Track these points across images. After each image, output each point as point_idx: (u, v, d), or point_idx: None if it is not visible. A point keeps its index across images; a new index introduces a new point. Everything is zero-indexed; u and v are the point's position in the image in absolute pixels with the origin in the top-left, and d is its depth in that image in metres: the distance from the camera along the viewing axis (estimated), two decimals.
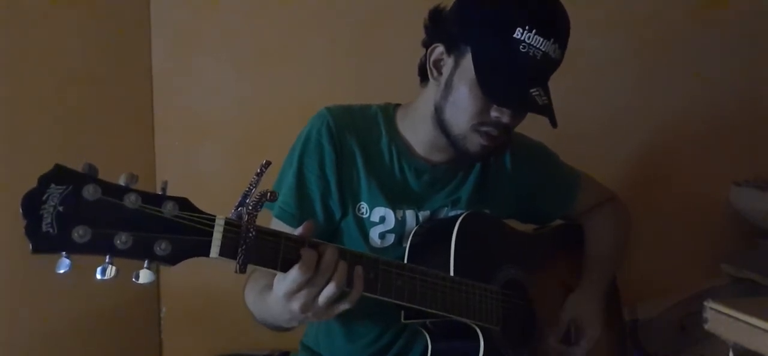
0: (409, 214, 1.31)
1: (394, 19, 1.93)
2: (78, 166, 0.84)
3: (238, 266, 0.92)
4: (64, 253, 0.82)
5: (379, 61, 1.96)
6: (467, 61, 1.21)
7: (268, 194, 0.93)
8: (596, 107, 1.98)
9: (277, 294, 1.00)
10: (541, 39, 1.16)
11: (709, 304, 1.15)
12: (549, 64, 1.20)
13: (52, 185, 0.81)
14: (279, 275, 0.99)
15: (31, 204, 0.80)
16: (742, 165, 1.92)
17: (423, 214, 1.33)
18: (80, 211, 0.82)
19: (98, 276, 0.85)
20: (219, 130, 2.00)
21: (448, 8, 1.29)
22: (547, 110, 1.20)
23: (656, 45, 1.97)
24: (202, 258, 0.91)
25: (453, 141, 1.27)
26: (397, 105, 1.40)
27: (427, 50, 1.30)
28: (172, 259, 0.88)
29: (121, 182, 0.86)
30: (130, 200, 0.85)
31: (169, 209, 0.87)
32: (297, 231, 1.00)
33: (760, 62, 1.97)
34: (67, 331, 1.73)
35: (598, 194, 1.58)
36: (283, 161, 1.32)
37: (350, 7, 1.96)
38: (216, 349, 1.96)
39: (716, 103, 1.97)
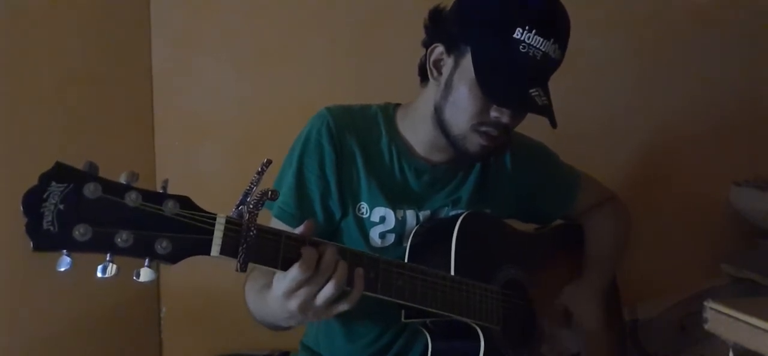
0: (410, 214, 1.31)
1: (394, 19, 1.93)
2: (78, 165, 0.84)
3: (238, 264, 0.92)
4: (64, 251, 0.82)
5: (379, 61, 1.96)
6: (467, 61, 1.21)
7: (269, 192, 0.93)
8: (596, 107, 1.98)
9: (276, 293, 1.00)
10: (541, 39, 1.17)
11: (709, 304, 1.15)
12: (549, 65, 1.21)
13: (53, 183, 0.81)
14: (278, 273, 0.99)
15: (32, 202, 0.80)
16: (742, 165, 1.92)
17: (423, 214, 1.33)
18: (81, 209, 0.82)
19: (99, 275, 0.85)
20: (219, 130, 2.00)
21: (448, 8, 1.29)
22: (546, 111, 1.20)
23: (656, 45, 1.97)
24: (203, 257, 0.91)
25: (453, 141, 1.27)
26: (397, 105, 1.40)
27: (427, 50, 1.30)
28: (173, 257, 0.88)
29: (122, 180, 0.86)
30: (131, 198, 0.85)
31: (170, 207, 0.87)
32: (298, 230, 1.00)
33: (760, 62, 1.97)
34: (67, 331, 1.73)
35: (598, 194, 1.58)
36: (283, 161, 1.32)
37: (350, 7, 1.96)
38: (216, 349, 1.96)
39: (716, 103, 1.98)
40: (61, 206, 0.81)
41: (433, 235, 1.29)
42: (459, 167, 1.37)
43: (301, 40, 1.97)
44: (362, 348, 1.35)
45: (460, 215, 1.26)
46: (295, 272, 0.97)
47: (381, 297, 1.08)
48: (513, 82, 1.20)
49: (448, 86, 1.25)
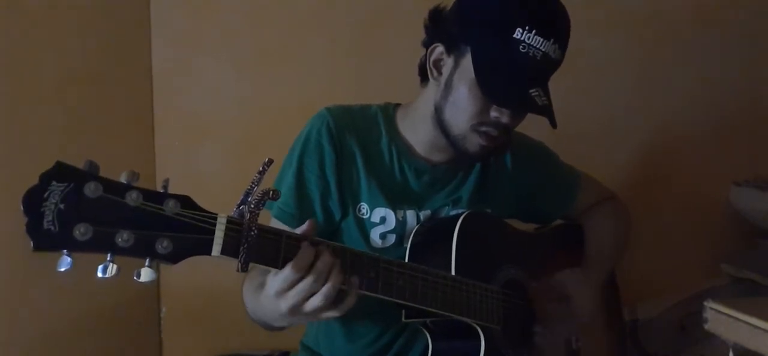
0: (410, 214, 1.31)
1: (394, 19, 1.93)
2: (79, 165, 0.84)
3: (239, 264, 0.92)
4: (65, 251, 0.82)
5: (379, 61, 1.96)
6: (467, 61, 1.21)
7: (270, 192, 0.93)
8: (596, 107, 1.99)
9: (269, 292, 1.00)
10: (541, 39, 1.16)
11: (709, 304, 1.15)
12: (549, 65, 1.20)
13: (54, 183, 0.81)
14: (272, 272, 0.99)
15: (33, 202, 0.80)
16: (742, 165, 1.92)
17: (424, 214, 1.33)
18: (82, 208, 0.82)
19: (99, 274, 0.85)
20: (219, 130, 2.00)
21: (448, 8, 1.29)
22: (546, 111, 1.20)
23: (656, 45, 1.97)
24: (204, 257, 0.91)
25: (453, 141, 1.27)
26: (397, 105, 1.40)
27: (427, 50, 1.30)
28: (174, 257, 0.88)
29: (123, 179, 0.85)
30: (132, 198, 0.85)
31: (170, 207, 0.87)
32: (299, 230, 1.00)
33: (760, 62, 1.97)
34: (67, 331, 1.73)
35: (598, 194, 1.58)
36: (283, 161, 1.32)
37: (350, 7, 1.96)
38: (216, 349, 1.96)
39: (716, 103, 1.98)
40: (62, 206, 0.81)
41: (433, 235, 1.29)
42: (459, 167, 1.37)
43: (301, 40, 1.97)
44: (362, 347, 1.35)
45: (461, 214, 1.26)
46: (287, 272, 0.97)
47: (382, 297, 1.08)
48: (513, 82, 1.20)
49: (448, 86, 1.25)
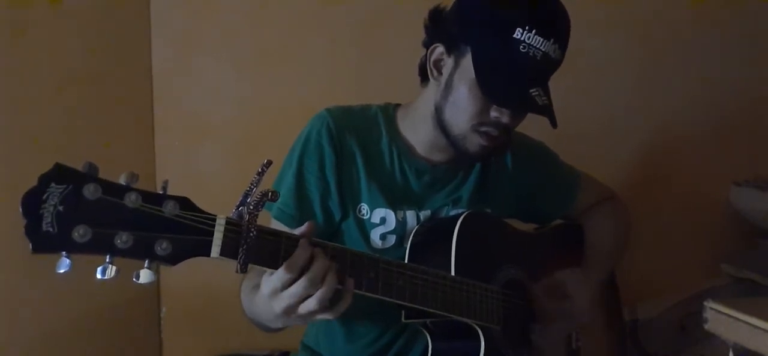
0: (410, 214, 1.31)
1: (394, 19, 1.92)
2: (78, 166, 0.84)
3: (238, 266, 0.92)
4: (64, 253, 0.82)
5: (379, 61, 1.96)
6: (467, 61, 1.21)
7: (270, 193, 0.93)
8: (596, 107, 1.98)
9: (263, 292, 1.00)
10: (541, 39, 1.16)
11: (709, 304, 1.15)
12: (549, 65, 1.20)
13: (53, 185, 0.81)
14: (267, 272, 0.99)
15: (31, 203, 0.80)
16: (742, 165, 1.92)
17: (424, 214, 1.33)
18: (81, 210, 0.82)
19: (98, 276, 0.85)
20: (219, 130, 1.99)
21: (448, 8, 1.29)
22: (547, 110, 1.20)
23: (656, 45, 1.97)
24: (203, 258, 0.91)
25: (453, 141, 1.27)
26: (398, 105, 1.40)
27: (427, 50, 1.30)
28: (173, 259, 0.88)
29: (122, 181, 0.85)
30: (131, 200, 0.85)
31: (169, 208, 0.87)
32: (298, 231, 1.00)
33: (760, 62, 1.97)
34: (67, 331, 1.73)
35: (598, 194, 1.58)
36: (283, 162, 1.32)
37: (350, 7, 1.96)
38: (216, 349, 1.96)
39: (716, 103, 1.98)
40: (61, 208, 0.81)
41: (433, 235, 1.28)
42: (459, 166, 1.37)
43: (301, 40, 1.97)
44: (362, 348, 1.35)
45: (461, 214, 1.26)
46: (280, 272, 0.96)
47: (381, 297, 1.08)
48: (513, 82, 1.20)
49: (449, 86, 1.25)
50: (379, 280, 1.07)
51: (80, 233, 0.81)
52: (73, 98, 1.75)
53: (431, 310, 1.15)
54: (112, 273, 0.85)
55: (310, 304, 0.98)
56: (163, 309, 2.03)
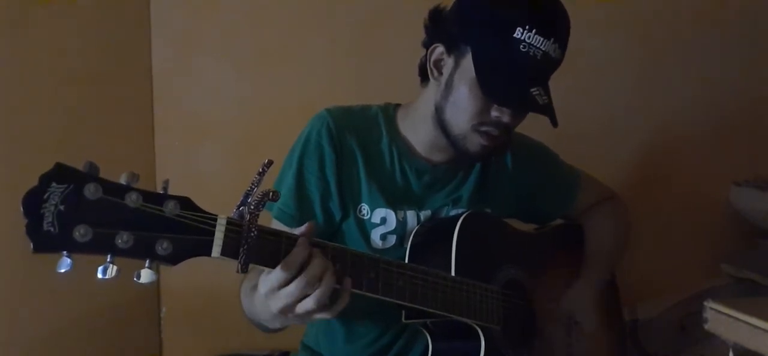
0: (410, 215, 1.31)
1: (394, 19, 1.93)
2: (79, 165, 0.83)
3: (239, 265, 0.92)
4: (65, 252, 0.81)
5: (379, 61, 1.96)
6: (467, 61, 1.21)
7: (270, 193, 0.93)
8: (596, 107, 1.99)
9: (261, 291, 1.00)
10: (542, 39, 1.16)
11: (709, 304, 1.15)
12: (549, 64, 1.20)
13: (53, 184, 0.81)
14: (264, 272, 0.99)
15: (32, 203, 0.80)
16: (742, 165, 1.92)
17: (424, 214, 1.33)
18: (81, 210, 0.82)
19: (99, 276, 0.84)
20: (219, 130, 2.00)
21: (448, 8, 1.29)
22: (547, 110, 1.20)
23: (656, 45, 1.97)
24: (204, 258, 0.91)
25: (453, 141, 1.27)
26: (398, 105, 1.40)
27: (427, 50, 1.30)
28: (174, 259, 0.88)
29: (123, 181, 0.85)
30: (132, 199, 0.84)
31: (170, 208, 0.87)
32: (298, 231, 1.00)
33: (760, 62, 1.97)
34: (67, 331, 1.73)
35: (598, 194, 1.58)
36: (283, 162, 1.32)
37: (350, 7, 1.96)
38: (216, 349, 1.96)
39: (716, 103, 1.98)
40: (62, 207, 0.81)
41: (433, 235, 1.29)
42: (459, 166, 1.37)
43: (301, 40, 1.97)
44: (362, 348, 1.35)
45: (461, 214, 1.26)
46: (277, 271, 0.96)
47: (382, 297, 1.08)
48: (513, 81, 1.20)
49: (449, 86, 1.25)
50: (380, 280, 1.07)
51: (81, 232, 0.81)
52: (73, 98, 1.75)
53: (431, 310, 1.15)
54: (113, 273, 0.85)
55: (307, 304, 0.97)
56: (163, 309, 2.03)
